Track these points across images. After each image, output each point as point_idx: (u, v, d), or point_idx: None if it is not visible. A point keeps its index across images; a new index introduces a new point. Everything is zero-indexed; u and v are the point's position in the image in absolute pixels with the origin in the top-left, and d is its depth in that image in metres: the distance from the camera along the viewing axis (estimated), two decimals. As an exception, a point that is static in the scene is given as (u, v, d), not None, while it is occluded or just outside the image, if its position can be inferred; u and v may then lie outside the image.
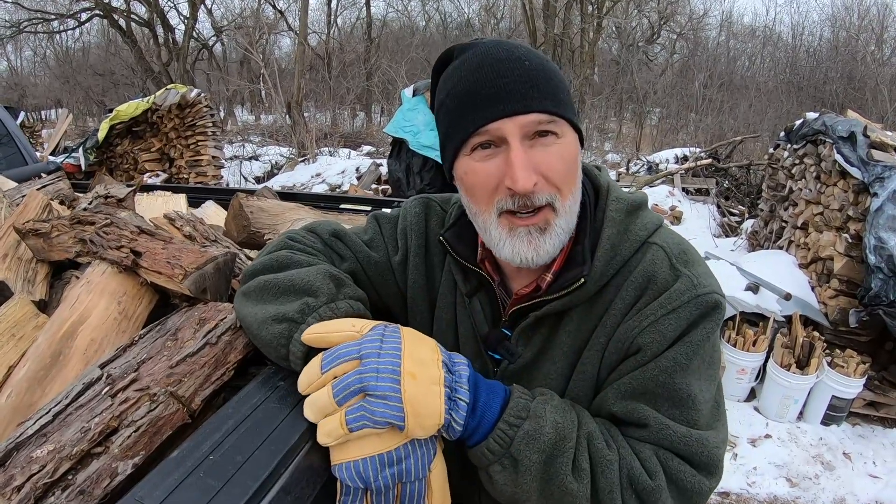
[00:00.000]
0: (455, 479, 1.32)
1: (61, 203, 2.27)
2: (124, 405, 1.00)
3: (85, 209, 1.94)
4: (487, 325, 1.28)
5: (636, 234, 1.15)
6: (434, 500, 1.02)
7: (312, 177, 12.38)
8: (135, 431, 0.97)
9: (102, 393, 1.03)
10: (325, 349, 1.02)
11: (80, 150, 9.73)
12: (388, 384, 0.92)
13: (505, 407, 1.02)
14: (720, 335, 4.91)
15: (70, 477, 0.90)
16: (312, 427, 0.97)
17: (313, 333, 1.04)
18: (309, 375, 1.00)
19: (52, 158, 8.48)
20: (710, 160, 11.53)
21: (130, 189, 2.28)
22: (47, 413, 1.01)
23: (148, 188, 2.88)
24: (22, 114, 10.67)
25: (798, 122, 6.62)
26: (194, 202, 2.76)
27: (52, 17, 21.67)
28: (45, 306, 1.58)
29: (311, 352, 1.05)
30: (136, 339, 1.22)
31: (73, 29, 23.56)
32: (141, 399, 1.02)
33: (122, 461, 0.92)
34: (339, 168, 12.43)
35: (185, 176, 10.08)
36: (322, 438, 0.94)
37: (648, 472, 1.03)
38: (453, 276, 1.33)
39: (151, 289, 1.47)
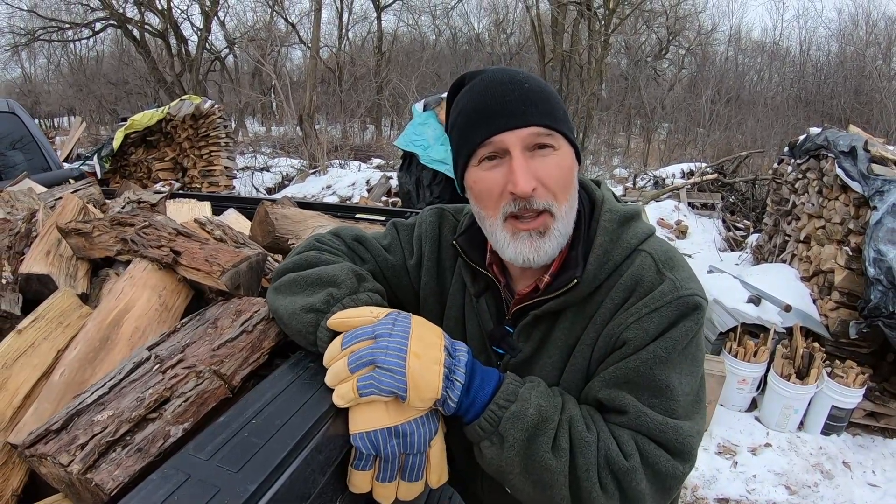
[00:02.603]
0: (461, 463, 1.46)
1: (93, 206, 2.41)
2: (174, 380, 1.14)
3: (119, 212, 2.08)
4: (493, 322, 1.42)
5: (627, 242, 1.27)
6: (432, 472, 1.16)
7: (323, 188, 12.48)
8: (184, 401, 1.11)
9: (153, 370, 1.17)
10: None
11: (96, 157, 9.89)
12: (394, 360, 1.07)
13: (497, 390, 1.15)
14: (722, 346, 5.01)
15: (129, 437, 1.03)
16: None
17: (338, 319, 1.19)
18: (331, 351, 1.16)
19: (66, 165, 8.62)
20: (715, 175, 11.63)
21: (162, 195, 2.43)
22: (103, 386, 1.14)
23: (174, 195, 3.01)
24: (35, 121, 10.84)
25: (802, 137, 6.70)
26: (216, 210, 2.88)
27: (67, 26, 21.82)
28: (86, 299, 1.71)
29: (335, 336, 1.18)
30: (179, 326, 1.36)
31: (88, 38, 23.77)
32: (188, 375, 1.16)
33: (174, 426, 1.06)
34: (350, 180, 12.53)
35: (198, 185, 10.23)
36: (337, 400, 1.09)
37: (624, 453, 1.13)
38: (463, 278, 1.47)
39: (188, 285, 1.61)
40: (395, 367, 1.07)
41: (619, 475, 1.12)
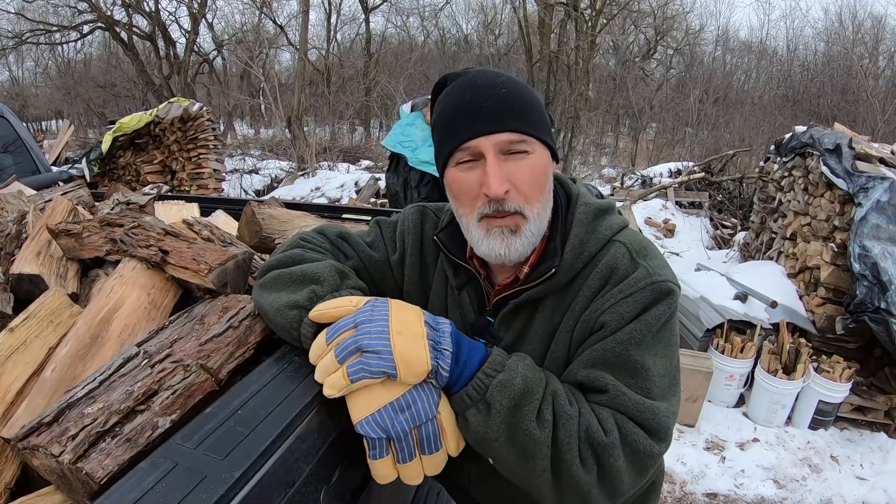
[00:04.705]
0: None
1: (82, 208, 2.43)
2: (162, 373, 1.17)
3: (108, 214, 2.11)
4: (474, 313, 1.47)
5: (602, 234, 1.33)
6: (448, 438, 1.17)
7: (312, 190, 12.47)
8: (172, 394, 1.13)
9: (142, 364, 1.20)
10: (329, 324, 1.19)
11: (84, 161, 9.83)
12: (378, 341, 1.09)
13: (485, 360, 1.17)
14: (709, 342, 5.05)
15: (118, 428, 1.06)
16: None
17: (319, 311, 1.22)
18: (317, 348, 1.18)
19: (55, 169, 8.59)
20: (702, 174, 11.71)
21: (150, 196, 2.45)
22: (93, 381, 1.16)
23: (163, 197, 3.03)
24: (23, 124, 10.77)
25: (787, 136, 6.77)
26: (204, 211, 2.91)
27: (55, 28, 21.61)
28: (76, 299, 1.74)
29: (319, 331, 1.21)
30: (167, 323, 1.39)
31: (76, 41, 23.55)
32: (176, 369, 1.19)
33: (162, 417, 1.09)
34: (339, 182, 12.53)
35: (187, 188, 10.18)
36: (328, 391, 1.10)
37: (604, 429, 1.16)
38: (445, 272, 1.52)
39: (176, 283, 1.64)
40: (381, 348, 1.08)
41: (599, 450, 1.15)
